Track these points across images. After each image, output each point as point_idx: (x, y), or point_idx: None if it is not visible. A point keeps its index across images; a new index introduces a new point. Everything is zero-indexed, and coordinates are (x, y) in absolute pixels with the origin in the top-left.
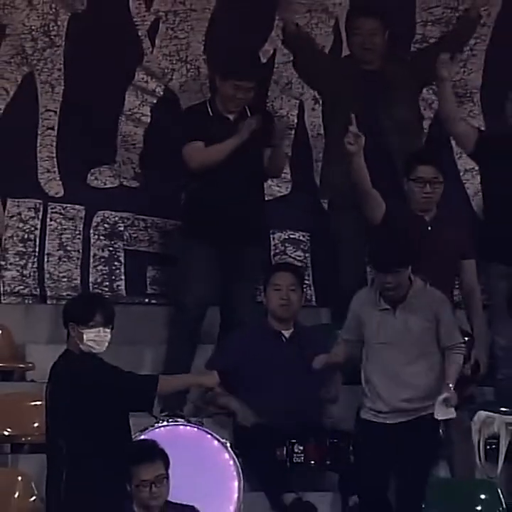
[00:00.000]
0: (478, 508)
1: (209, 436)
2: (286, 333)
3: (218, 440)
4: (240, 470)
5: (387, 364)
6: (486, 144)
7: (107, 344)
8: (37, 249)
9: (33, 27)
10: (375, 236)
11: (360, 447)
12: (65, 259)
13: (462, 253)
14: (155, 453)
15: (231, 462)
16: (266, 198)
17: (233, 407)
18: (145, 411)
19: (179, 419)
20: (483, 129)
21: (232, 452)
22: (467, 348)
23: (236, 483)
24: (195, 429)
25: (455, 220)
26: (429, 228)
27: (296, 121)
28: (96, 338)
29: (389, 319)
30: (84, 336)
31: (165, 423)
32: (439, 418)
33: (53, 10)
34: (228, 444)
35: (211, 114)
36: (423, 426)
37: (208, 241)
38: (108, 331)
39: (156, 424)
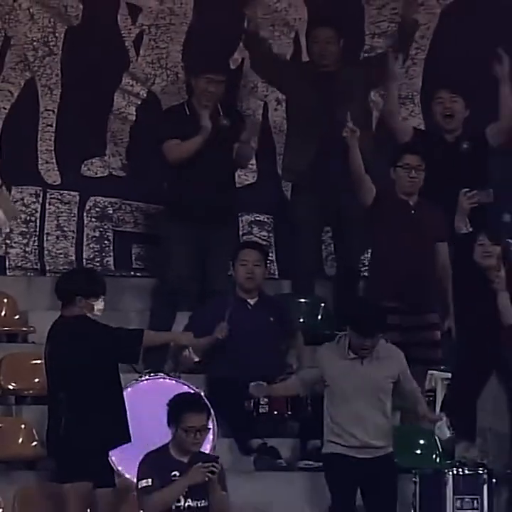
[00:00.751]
0: (418, 451)
1: (185, 387)
2: (252, 301)
3: (194, 390)
4: (213, 416)
5: (355, 407)
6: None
7: (102, 310)
8: (37, 230)
9: (34, 38)
10: (357, 306)
11: (333, 477)
12: (61, 238)
13: (438, 236)
14: (203, 404)
15: None
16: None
17: (206, 341)
18: (133, 361)
19: (159, 374)
20: (420, 127)
21: (205, 400)
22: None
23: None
24: (173, 381)
25: (432, 206)
26: (413, 212)
27: (261, 119)
28: (101, 307)
29: (357, 368)
30: (95, 307)
31: (147, 377)
32: (444, 438)
33: (52, 23)
34: (202, 394)
35: (188, 113)
36: (386, 461)
37: (186, 222)
38: (103, 299)
39: (140, 378)
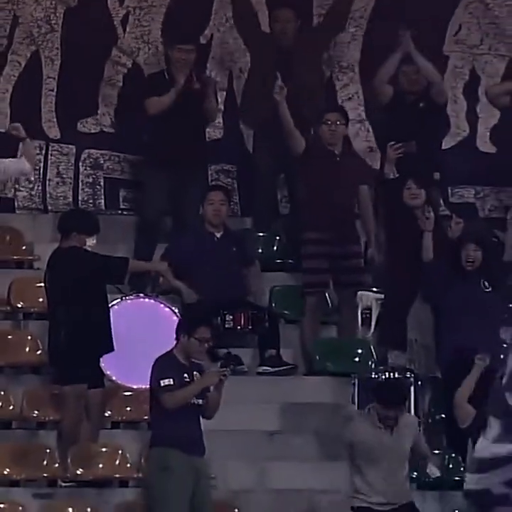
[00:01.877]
0: (356, 359)
1: (162, 305)
2: (218, 234)
3: (169, 308)
4: None
5: (385, 470)
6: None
7: (94, 244)
8: (41, 177)
9: (38, 17)
10: (382, 382)
11: None
12: (61, 184)
13: (360, 180)
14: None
15: None
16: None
17: (181, 288)
18: (120, 282)
19: (141, 294)
20: (358, 92)
21: (179, 316)
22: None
23: None
24: (152, 300)
25: (356, 155)
26: (338, 159)
27: (226, 85)
28: (92, 244)
29: (387, 437)
30: (87, 242)
31: (131, 297)
32: (434, 475)
33: (53, 5)
34: (176, 310)
35: (167, 77)
36: (409, 508)
37: (164, 170)
38: (95, 236)
39: (124, 298)
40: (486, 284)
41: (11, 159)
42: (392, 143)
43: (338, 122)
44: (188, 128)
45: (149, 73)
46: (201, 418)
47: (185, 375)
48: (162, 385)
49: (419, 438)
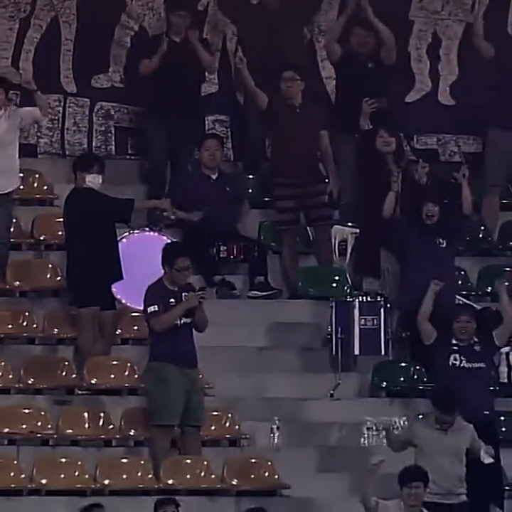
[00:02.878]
0: (334, 285)
1: (164, 237)
2: (213, 177)
3: (171, 240)
4: None
5: (443, 465)
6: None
7: (99, 184)
8: (60, 125)
9: None
10: (439, 390)
11: None
12: (77, 132)
13: (320, 126)
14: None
15: None
16: (202, 94)
17: (184, 217)
18: (126, 221)
19: (146, 228)
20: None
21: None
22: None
23: None
24: (157, 233)
25: (315, 105)
26: (297, 111)
27: (221, 46)
28: (93, 181)
29: (443, 438)
30: (86, 179)
31: (138, 231)
32: (487, 462)
33: None
34: (177, 241)
35: (166, 38)
36: (466, 506)
37: (165, 121)
38: (100, 176)
39: (132, 231)
40: (441, 240)
41: (25, 108)
42: (367, 98)
43: (294, 79)
44: (187, 82)
45: (154, 34)
46: (194, 332)
47: (172, 299)
48: (149, 311)
49: (475, 440)
